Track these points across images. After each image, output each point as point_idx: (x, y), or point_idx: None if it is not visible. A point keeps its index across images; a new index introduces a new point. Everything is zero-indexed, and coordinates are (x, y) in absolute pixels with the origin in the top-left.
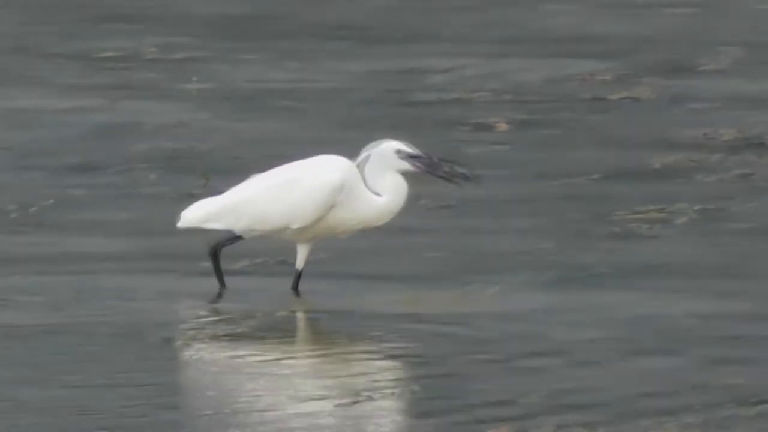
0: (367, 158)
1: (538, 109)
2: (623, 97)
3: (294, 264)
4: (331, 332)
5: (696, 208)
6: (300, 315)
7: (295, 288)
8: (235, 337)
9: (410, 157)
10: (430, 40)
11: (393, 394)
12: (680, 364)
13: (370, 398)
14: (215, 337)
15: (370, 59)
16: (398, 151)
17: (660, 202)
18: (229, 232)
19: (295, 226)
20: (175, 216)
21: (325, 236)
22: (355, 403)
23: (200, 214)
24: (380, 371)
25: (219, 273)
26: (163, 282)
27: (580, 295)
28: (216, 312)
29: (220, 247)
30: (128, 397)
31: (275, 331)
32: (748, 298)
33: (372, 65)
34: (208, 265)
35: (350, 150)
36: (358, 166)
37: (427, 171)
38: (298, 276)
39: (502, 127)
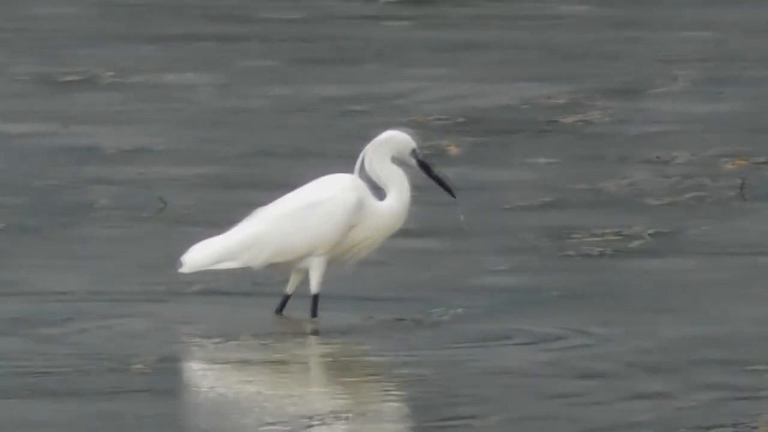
0: (375, 147)
1: (491, 131)
2: (577, 120)
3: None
4: (301, 355)
5: (651, 231)
6: (272, 339)
7: (314, 314)
8: (214, 363)
9: (417, 160)
10: (384, 63)
11: (360, 416)
12: (631, 391)
13: (324, 422)
14: (201, 364)
15: (323, 82)
16: (413, 151)
17: (615, 225)
18: (246, 269)
19: (319, 252)
20: (130, 241)
21: (347, 257)
22: (310, 427)
23: (209, 255)
24: (344, 394)
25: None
26: (117, 308)
27: (535, 319)
28: (190, 336)
29: (281, 311)
30: (115, 427)
31: (253, 354)
32: (704, 321)
33: (325, 88)
34: (156, 290)
35: (311, 175)
36: (361, 168)
37: (424, 170)
38: (316, 300)
39: (453, 150)
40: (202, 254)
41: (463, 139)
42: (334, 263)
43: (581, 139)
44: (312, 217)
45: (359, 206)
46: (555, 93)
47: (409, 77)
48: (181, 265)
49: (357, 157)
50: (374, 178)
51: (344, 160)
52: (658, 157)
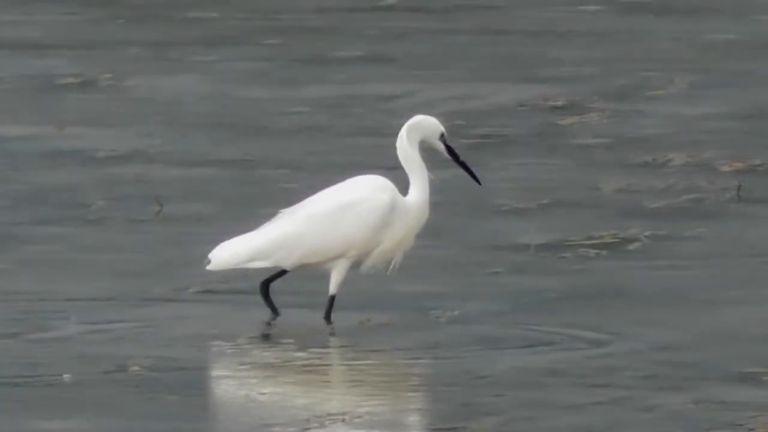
0: (406, 130)
1: (488, 133)
2: (574, 122)
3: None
4: (299, 360)
5: (647, 233)
6: (268, 343)
7: (328, 316)
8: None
9: (446, 145)
10: (380, 64)
11: (357, 418)
12: (629, 392)
13: (322, 425)
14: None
15: (320, 83)
16: (443, 135)
17: (612, 227)
18: (276, 268)
19: (351, 253)
20: (127, 243)
21: (381, 260)
22: (308, 429)
23: (238, 253)
24: (341, 395)
25: (270, 305)
26: (113, 310)
27: (533, 321)
28: (188, 338)
29: (269, 283)
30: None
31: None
32: (700, 323)
33: (322, 89)
34: (154, 293)
35: (304, 176)
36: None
37: (452, 156)
38: (332, 302)
39: None
40: (231, 253)
41: (460, 141)
42: (374, 268)
43: (578, 141)
44: (345, 218)
45: (392, 207)
46: (552, 95)
47: (406, 79)
48: (207, 262)
49: (354, 157)
50: (402, 162)
51: (341, 160)
52: (654, 160)
